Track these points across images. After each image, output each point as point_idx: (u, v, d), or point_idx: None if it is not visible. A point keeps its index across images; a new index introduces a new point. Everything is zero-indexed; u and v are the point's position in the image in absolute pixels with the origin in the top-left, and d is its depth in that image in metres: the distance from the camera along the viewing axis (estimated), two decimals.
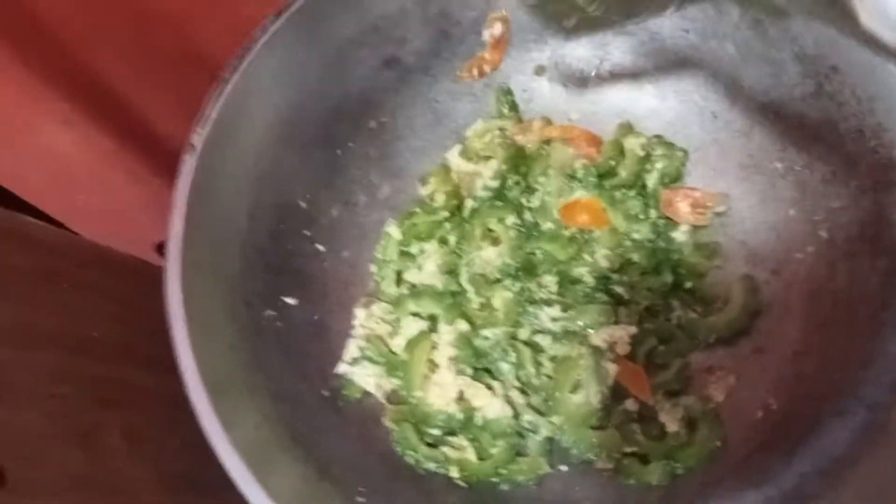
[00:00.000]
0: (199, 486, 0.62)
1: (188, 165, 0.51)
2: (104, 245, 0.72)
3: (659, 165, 0.59)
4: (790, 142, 0.56)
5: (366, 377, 0.55)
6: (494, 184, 0.58)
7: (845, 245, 0.52)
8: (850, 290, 0.51)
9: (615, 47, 0.62)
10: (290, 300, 0.56)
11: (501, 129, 0.61)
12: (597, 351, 0.52)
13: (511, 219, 0.57)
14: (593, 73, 0.63)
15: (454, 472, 0.51)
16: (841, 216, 0.52)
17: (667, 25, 0.59)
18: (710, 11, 0.57)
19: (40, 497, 0.49)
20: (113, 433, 0.58)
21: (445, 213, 0.58)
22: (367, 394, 0.55)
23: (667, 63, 0.61)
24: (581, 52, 0.63)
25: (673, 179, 0.59)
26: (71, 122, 0.66)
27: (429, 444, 0.52)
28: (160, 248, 0.75)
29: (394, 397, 0.55)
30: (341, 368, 0.55)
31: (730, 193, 0.58)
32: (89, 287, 0.65)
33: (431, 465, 0.51)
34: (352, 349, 0.56)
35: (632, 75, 0.62)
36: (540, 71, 0.63)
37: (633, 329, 0.53)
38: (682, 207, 0.56)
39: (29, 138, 0.66)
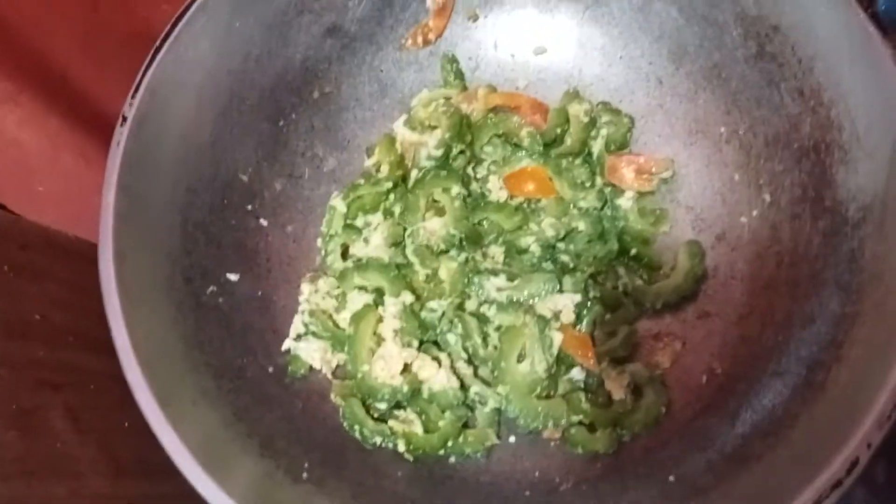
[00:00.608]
0: (149, 470, 0.61)
1: (120, 138, 0.50)
2: (50, 227, 0.71)
3: (604, 132, 0.58)
4: (734, 105, 0.56)
5: (311, 353, 0.54)
6: (438, 153, 0.57)
7: (788, 207, 0.52)
8: (793, 251, 0.51)
9: (560, 12, 0.61)
10: (232, 276, 0.55)
11: (446, 98, 0.60)
12: (542, 320, 0.51)
13: (456, 189, 0.56)
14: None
15: (401, 446, 0.50)
16: (784, 178, 0.52)
17: None
18: None
19: None
20: (55, 415, 0.56)
21: (389, 184, 0.57)
22: (312, 369, 0.54)
23: (612, 28, 0.60)
24: (527, 17, 0.62)
25: (619, 146, 0.58)
26: (16, 101, 0.64)
27: (375, 419, 0.52)
28: None
29: (340, 373, 0.55)
30: (286, 344, 0.54)
31: (676, 159, 0.58)
32: (32, 270, 0.63)
33: (378, 440, 0.51)
34: (297, 325, 0.55)
35: (578, 41, 0.62)
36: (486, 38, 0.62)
37: (578, 297, 0.52)
38: (627, 174, 0.56)
39: None
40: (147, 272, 0.50)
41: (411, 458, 0.51)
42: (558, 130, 0.58)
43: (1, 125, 0.65)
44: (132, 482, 0.61)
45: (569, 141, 0.58)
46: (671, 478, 0.45)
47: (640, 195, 0.57)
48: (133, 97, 0.51)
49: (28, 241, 0.66)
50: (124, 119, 0.51)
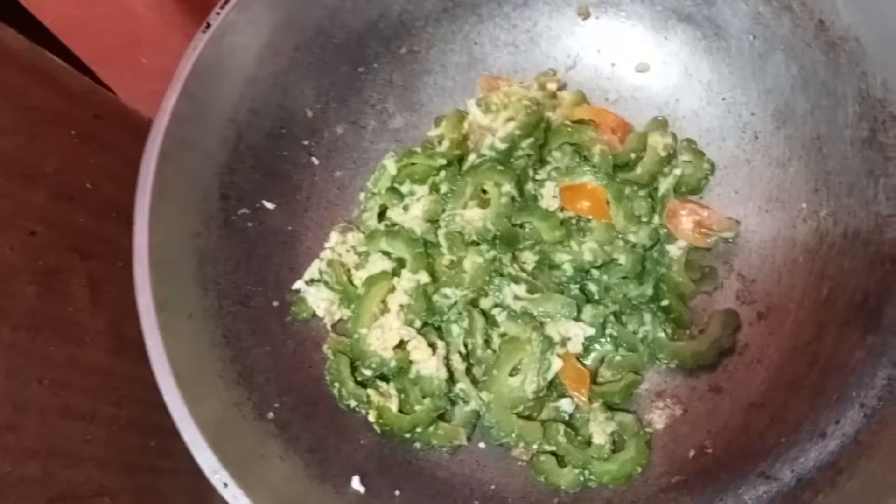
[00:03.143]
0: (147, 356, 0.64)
1: (198, 41, 0.50)
2: (127, 105, 0.73)
3: (678, 172, 0.55)
4: (825, 185, 0.51)
5: (318, 300, 0.54)
6: (502, 146, 0.55)
7: (843, 311, 0.48)
8: (830, 358, 0.47)
9: (677, 35, 0.57)
10: (269, 204, 0.55)
11: (531, 99, 0.57)
12: (547, 341, 0.49)
13: (507, 187, 0.54)
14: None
15: (371, 416, 0.50)
16: (849, 279, 0.48)
17: (736, 25, 0.54)
18: (786, 21, 0.52)
19: None
20: (77, 282, 0.59)
21: (444, 161, 0.55)
22: (315, 317, 0.54)
23: (724, 66, 0.56)
24: (640, 31, 0.58)
25: (691, 191, 0.55)
26: None
27: (357, 382, 0.51)
28: None
29: (339, 328, 0.55)
30: (297, 285, 0.55)
31: (746, 222, 0.54)
32: (98, 140, 0.66)
33: (352, 402, 0.51)
34: (313, 269, 0.55)
35: (685, 69, 0.58)
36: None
37: (592, 331, 0.50)
38: (685, 223, 0.53)
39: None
40: (187, 177, 0.50)
41: (378, 432, 0.50)
42: (632, 156, 0.55)
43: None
44: (130, 364, 0.63)
45: (639, 170, 0.55)
46: None
47: (693, 248, 0.53)
48: (222, 8, 0.51)
49: (103, 112, 0.69)
50: (208, 26, 0.51)
